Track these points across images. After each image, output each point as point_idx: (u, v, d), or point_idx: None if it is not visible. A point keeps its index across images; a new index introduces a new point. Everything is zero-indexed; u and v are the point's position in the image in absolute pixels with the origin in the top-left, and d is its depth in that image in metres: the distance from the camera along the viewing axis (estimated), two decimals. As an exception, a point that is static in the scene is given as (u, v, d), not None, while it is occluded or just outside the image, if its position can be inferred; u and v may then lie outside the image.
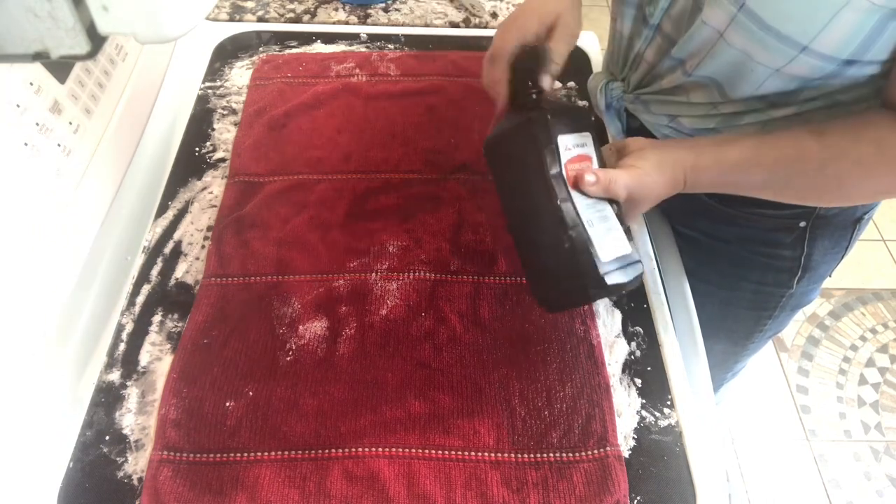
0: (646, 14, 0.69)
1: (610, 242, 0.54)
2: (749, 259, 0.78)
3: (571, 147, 0.56)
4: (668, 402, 0.61)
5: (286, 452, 0.56)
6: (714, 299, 0.85)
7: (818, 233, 0.73)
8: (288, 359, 0.62)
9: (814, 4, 0.53)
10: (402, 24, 1.00)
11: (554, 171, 0.54)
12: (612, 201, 0.57)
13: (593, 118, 0.60)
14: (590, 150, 0.58)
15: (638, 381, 0.62)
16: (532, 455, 0.56)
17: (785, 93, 0.61)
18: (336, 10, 1.02)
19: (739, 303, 0.84)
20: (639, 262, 0.56)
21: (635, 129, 0.78)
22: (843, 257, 0.79)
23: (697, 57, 0.64)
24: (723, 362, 1.00)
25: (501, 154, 0.59)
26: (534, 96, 0.59)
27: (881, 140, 0.56)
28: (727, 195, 0.66)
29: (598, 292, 0.54)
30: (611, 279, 0.53)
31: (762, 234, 0.75)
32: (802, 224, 0.72)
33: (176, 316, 0.65)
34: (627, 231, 0.57)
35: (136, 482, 0.54)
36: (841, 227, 0.74)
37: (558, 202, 0.54)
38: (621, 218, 0.57)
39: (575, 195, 0.55)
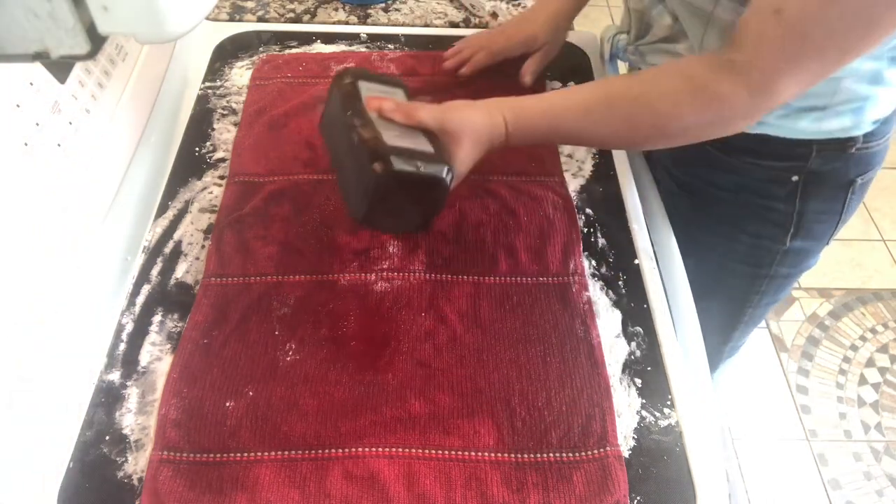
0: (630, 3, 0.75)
1: (405, 142, 0.58)
2: (746, 209, 0.80)
3: (377, 93, 0.62)
4: (668, 402, 0.61)
5: (286, 452, 0.56)
6: (713, 252, 0.87)
7: (810, 189, 0.75)
8: (288, 359, 0.61)
9: None
10: (402, 24, 1.00)
11: (352, 106, 0.60)
12: (425, 133, 0.61)
13: (404, 83, 0.67)
14: (399, 97, 0.64)
15: (638, 381, 0.62)
16: (532, 455, 0.56)
17: None
18: (336, 10, 1.02)
19: (737, 256, 0.86)
20: (443, 166, 0.59)
21: None
22: (838, 224, 0.80)
23: (668, 5, 0.69)
24: (720, 329, 1.00)
25: (325, 122, 0.67)
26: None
27: (686, 70, 0.60)
28: (725, 146, 0.70)
29: (383, 172, 0.56)
30: (397, 162, 0.56)
31: (757, 184, 0.77)
32: (794, 178, 0.74)
33: (176, 316, 0.65)
34: (438, 155, 0.60)
35: (136, 482, 0.54)
36: (833, 187, 0.76)
37: (349, 114, 0.59)
38: (439, 151, 0.60)
39: (378, 122, 0.59)
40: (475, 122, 0.62)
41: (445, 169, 0.59)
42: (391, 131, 0.59)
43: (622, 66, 0.92)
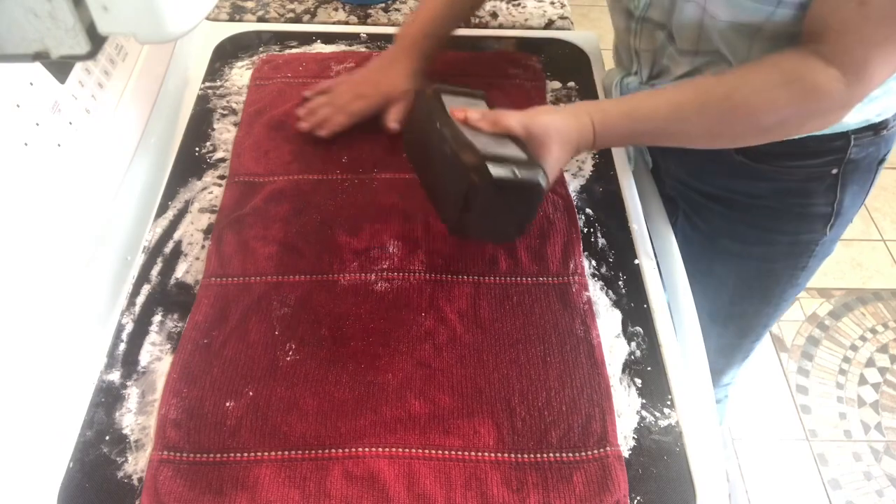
0: (630, 8, 0.72)
1: (498, 149, 0.58)
2: (785, 211, 0.80)
3: (460, 105, 0.62)
4: (668, 402, 0.61)
5: (286, 452, 0.56)
6: (751, 258, 0.86)
7: (848, 178, 0.75)
8: (288, 359, 0.61)
9: None
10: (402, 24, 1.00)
11: (440, 118, 0.60)
12: (514, 140, 0.60)
13: (484, 93, 0.68)
14: (482, 107, 0.64)
15: (638, 381, 0.62)
16: (532, 455, 0.56)
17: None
18: (336, 10, 1.02)
19: (776, 257, 0.86)
20: (538, 170, 0.57)
21: None
22: (865, 198, 0.81)
23: (691, 38, 0.67)
24: (752, 328, 1.01)
25: (409, 138, 0.68)
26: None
27: (777, 64, 0.59)
28: (758, 153, 0.69)
29: (481, 180, 0.56)
30: (494, 169, 0.55)
31: (796, 186, 0.77)
32: (834, 171, 0.74)
33: (176, 316, 0.65)
34: (532, 161, 0.59)
35: (136, 482, 0.54)
36: (867, 169, 0.76)
37: (438, 126, 0.59)
38: (531, 157, 0.59)
39: (465, 129, 0.59)
40: (562, 126, 0.61)
41: (541, 173, 0.58)
42: (480, 140, 0.59)
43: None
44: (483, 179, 0.56)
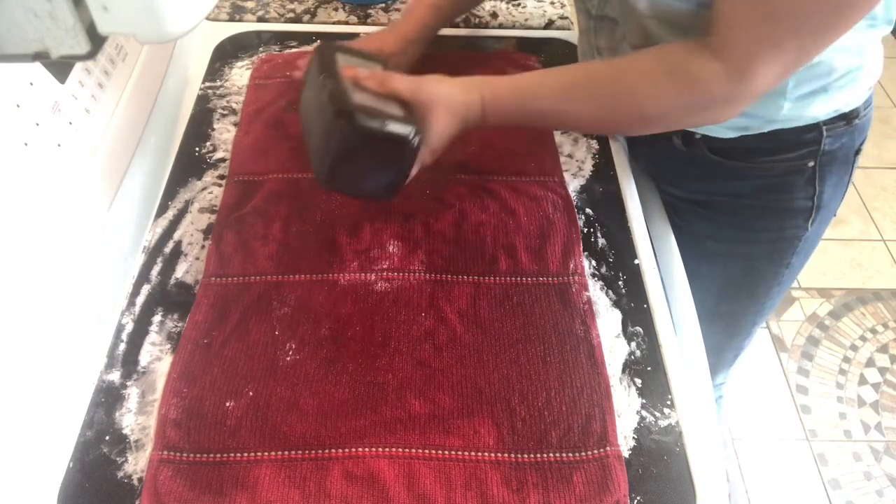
0: (588, 7, 0.73)
1: (377, 104, 0.58)
2: (766, 208, 0.80)
3: (355, 66, 0.61)
4: (668, 402, 0.61)
5: (286, 452, 0.56)
6: (737, 258, 0.87)
7: (825, 170, 0.75)
8: (288, 359, 0.61)
9: None
10: (402, 24, 1.00)
11: (327, 71, 0.59)
12: (399, 103, 0.60)
13: (385, 63, 0.67)
14: (377, 70, 0.63)
15: (638, 381, 0.62)
16: (532, 455, 0.56)
17: None
18: (336, 10, 1.02)
19: (760, 255, 0.86)
20: (411, 128, 0.57)
21: None
22: (845, 192, 0.81)
23: (636, 31, 0.68)
24: (741, 326, 1.00)
25: (303, 95, 0.65)
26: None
27: (665, 53, 0.59)
28: (731, 150, 0.69)
29: (348, 126, 0.56)
30: (363, 119, 0.55)
31: (775, 181, 0.77)
32: (811, 164, 0.74)
33: (176, 316, 0.65)
34: (407, 119, 0.59)
35: (136, 482, 0.54)
36: (844, 160, 0.76)
37: (322, 78, 0.58)
38: (409, 117, 0.59)
39: (350, 87, 0.59)
40: (450, 96, 0.62)
41: (413, 130, 0.58)
42: (361, 96, 0.59)
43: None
44: (351, 127, 0.56)
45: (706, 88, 0.58)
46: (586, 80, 0.63)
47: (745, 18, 0.54)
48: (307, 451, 0.56)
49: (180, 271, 0.68)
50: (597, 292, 0.68)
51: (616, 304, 0.68)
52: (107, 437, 0.57)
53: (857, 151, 0.77)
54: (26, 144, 0.56)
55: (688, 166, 0.78)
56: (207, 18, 0.97)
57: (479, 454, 0.56)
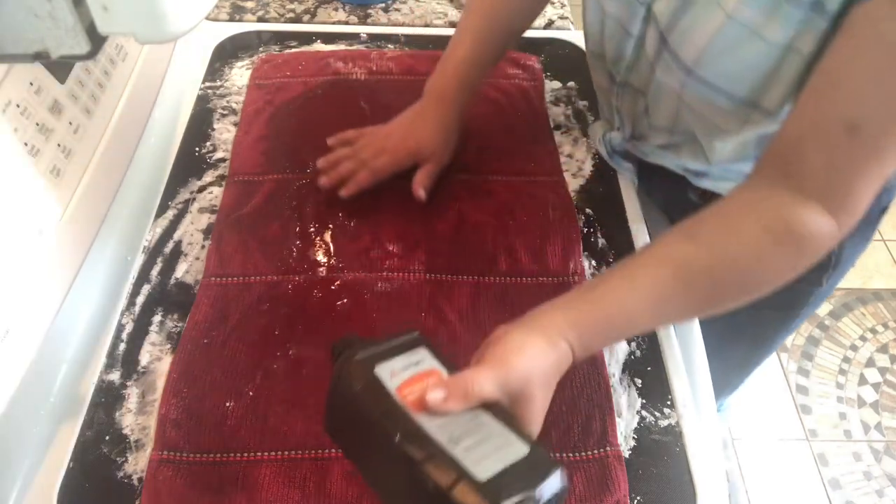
0: (611, 71, 0.69)
1: (490, 451, 0.41)
2: None
3: (400, 371, 0.45)
4: (668, 402, 0.61)
5: (286, 452, 0.56)
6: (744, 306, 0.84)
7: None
8: (288, 358, 0.61)
9: (749, 63, 0.53)
10: (402, 24, 1.00)
11: (382, 408, 0.43)
12: (487, 408, 0.44)
13: (418, 332, 0.49)
14: (429, 363, 0.47)
15: (638, 381, 0.62)
16: (532, 455, 0.56)
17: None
18: (336, 10, 1.02)
19: (770, 304, 0.82)
20: (556, 466, 0.42)
21: (648, 165, 0.77)
22: (865, 248, 0.77)
23: (667, 116, 0.64)
24: (743, 366, 0.99)
25: (335, 423, 0.47)
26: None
27: (760, 219, 0.50)
28: None
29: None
30: (507, 495, 0.38)
31: None
32: None
33: (176, 316, 0.65)
34: (526, 435, 0.43)
35: (136, 482, 0.54)
36: (867, 220, 0.71)
37: (396, 439, 0.41)
38: (510, 421, 0.44)
39: (424, 420, 0.42)
40: (543, 365, 0.48)
41: (559, 472, 0.42)
42: (440, 421, 0.43)
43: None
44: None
45: (820, 241, 0.50)
46: (680, 278, 0.50)
47: (849, 157, 0.47)
48: (307, 451, 0.56)
49: (180, 271, 0.68)
50: (597, 292, 0.68)
51: (616, 304, 0.68)
52: (107, 437, 0.57)
53: (884, 210, 0.71)
54: (26, 144, 0.56)
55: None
56: (207, 18, 0.97)
57: (479, 454, 0.56)
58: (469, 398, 0.43)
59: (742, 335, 0.87)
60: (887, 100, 0.46)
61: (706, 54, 0.56)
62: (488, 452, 0.41)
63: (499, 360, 0.46)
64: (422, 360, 0.46)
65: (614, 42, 0.66)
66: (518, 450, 0.42)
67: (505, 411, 0.45)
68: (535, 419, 0.47)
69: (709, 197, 0.73)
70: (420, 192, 0.72)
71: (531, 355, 0.47)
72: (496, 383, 0.44)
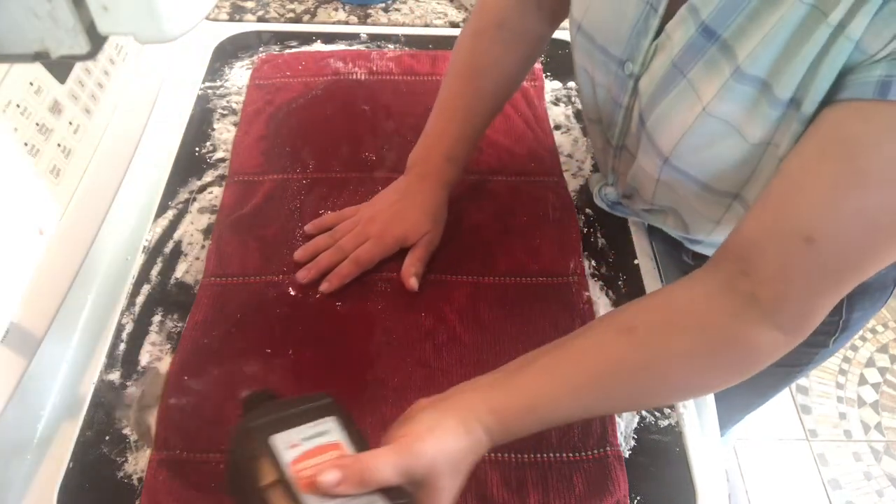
0: (607, 136, 0.68)
1: None
2: None
3: (300, 442, 0.42)
4: (668, 402, 0.61)
5: (286, 452, 0.56)
6: None
7: (856, 298, 0.69)
8: (287, 358, 0.61)
9: (726, 158, 0.52)
10: (402, 24, 1.00)
11: (267, 481, 0.40)
12: (385, 492, 0.41)
13: (331, 399, 0.46)
14: (334, 436, 0.44)
15: (638, 381, 0.62)
16: (532, 455, 0.56)
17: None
18: (336, 10, 1.02)
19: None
20: None
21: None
22: (878, 310, 0.75)
23: (648, 192, 0.63)
24: (745, 407, 0.98)
25: (231, 486, 0.44)
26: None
27: (703, 323, 0.48)
28: None
29: None
30: None
31: None
32: None
33: (176, 316, 0.65)
34: None
35: (136, 482, 0.54)
36: (880, 287, 0.70)
37: (266, 493, 0.39)
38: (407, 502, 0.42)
39: (313, 501, 0.39)
40: (449, 452, 0.45)
41: None
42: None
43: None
44: None
45: (766, 360, 0.48)
46: (612, 373, 0.48)
47: (805, 269, 0.45)
48: (307, 451, 0.56)
49: (180, 271, 0.68)
50: (596, 292, 0.68)
51: (616, 304, 0.68)
52: (107, 437, 0.57)
53: None
54: (26, 144, 0.56)
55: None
56: (207, 18, 0.97)
57: (479, 454, 0.56)
58: (365, 484, 0.41)
59: (744, 384, 0.86)
60: (845, 219, 0.43)
61: (682, 145, 0.54)
62: None
63: (404, 443, 0.44)
64: (327, 430, 0.43)
65: (607, 109, 0.64)
66: None
67: (407, 495, 0.43)
68: (449, 501, 0.46)
69: (701, 259, 0.70)
70: (412, 281, 0.66)
71: (441, 440, 0.45)
72: (398, 469, 0.42)
